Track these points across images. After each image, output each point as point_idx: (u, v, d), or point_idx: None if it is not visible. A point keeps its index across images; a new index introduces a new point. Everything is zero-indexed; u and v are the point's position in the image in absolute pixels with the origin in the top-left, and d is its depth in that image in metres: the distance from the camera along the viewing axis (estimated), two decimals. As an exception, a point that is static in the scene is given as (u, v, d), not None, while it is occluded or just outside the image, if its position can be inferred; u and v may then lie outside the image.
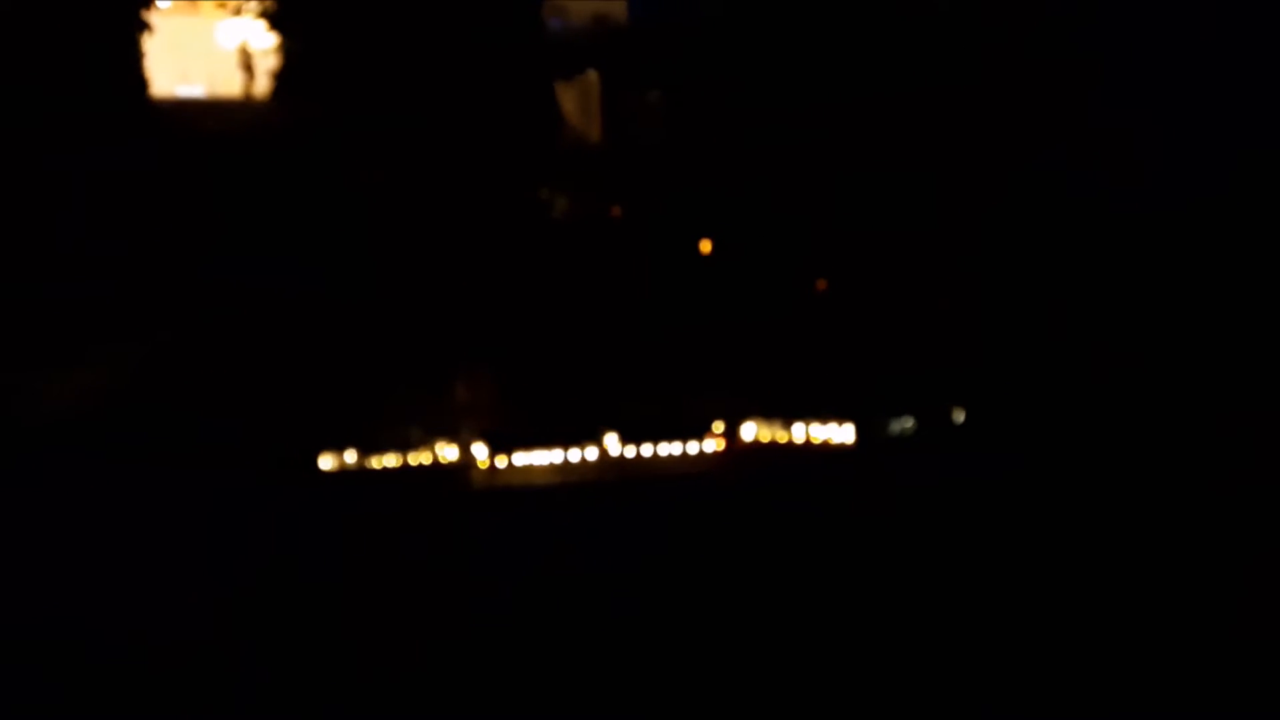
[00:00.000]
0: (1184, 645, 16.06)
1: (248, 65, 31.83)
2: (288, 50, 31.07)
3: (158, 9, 30.80)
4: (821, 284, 31.81)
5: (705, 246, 32.32)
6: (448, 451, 27.04)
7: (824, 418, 29.45)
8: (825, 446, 29.23)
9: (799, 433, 29.44)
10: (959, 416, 29.58)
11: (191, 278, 27.30)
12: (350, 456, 26.56)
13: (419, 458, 26.79)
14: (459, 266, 29.12)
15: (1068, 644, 16.64)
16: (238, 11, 31.53)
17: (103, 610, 17.51)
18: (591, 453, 27.73)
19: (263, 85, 31.60)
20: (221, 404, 25.24)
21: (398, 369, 27.58)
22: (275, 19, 31.19)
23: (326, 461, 26.43)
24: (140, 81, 30.41)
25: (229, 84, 32.27)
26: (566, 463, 27.15)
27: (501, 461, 27.09)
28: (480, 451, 27.20)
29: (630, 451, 28.16)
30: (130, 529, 20.97)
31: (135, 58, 30.32)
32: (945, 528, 21.77)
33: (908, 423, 29.89)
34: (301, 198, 29.39)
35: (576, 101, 33.70)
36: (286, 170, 29.64)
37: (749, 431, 29.32)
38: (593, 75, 34.01)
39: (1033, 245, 30.33)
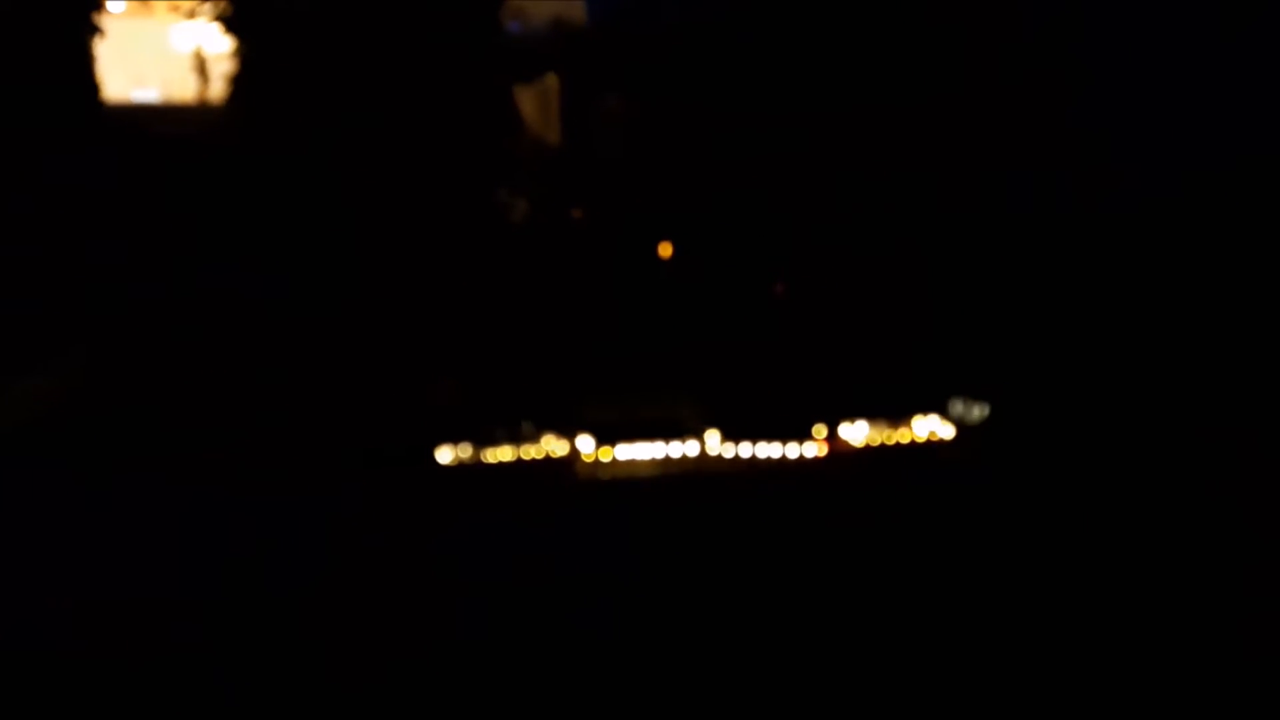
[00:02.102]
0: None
1: (203, 69, 31.50)
2: (243, 54, 30.70)
3: (110, 12, 30.42)
4: (780, 288, 31.91)
5: (666, 250, 32.37)
6: (556, 445, 27.90)
7: (919, 412, 30.17)
8: (928, 443, 29.97)
9: (897, 431, 30.18)
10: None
11: (164, 282, 27.18)
12: (465, 451, 27.50)
13: (529, 451, 27.69)
14: (420, 268, 28.95)
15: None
16: (192, 15, 31.13)
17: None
18: (692, 448, 28.36)
19: (218, 89, 31.26)
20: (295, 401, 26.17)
21: (511, 369, 28.32)
22: (230, 22, 30.80)
23: (444, 455, 27.38)
24: (93, 86, 30.05)
25: (184, 88, 32.05)
26: (668, 458, 27.84)
27: (606, 455, 27.95)
28: (586, 445, 28.01)
29: (728, 450, 28.73)
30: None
31: (87, 62, 29.94)
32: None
33: (982, 409, 30.63)
34: (258, 201, 29.13)
35: (536, 105, 33.60)
36: (243, 173, 29.38)
37: (849, 433, 29.80)
38: (552, 79, 33.93)
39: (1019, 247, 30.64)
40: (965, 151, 31.04)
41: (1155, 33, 30.99)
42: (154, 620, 16.99)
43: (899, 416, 30.44)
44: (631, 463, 27.43)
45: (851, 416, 30.14)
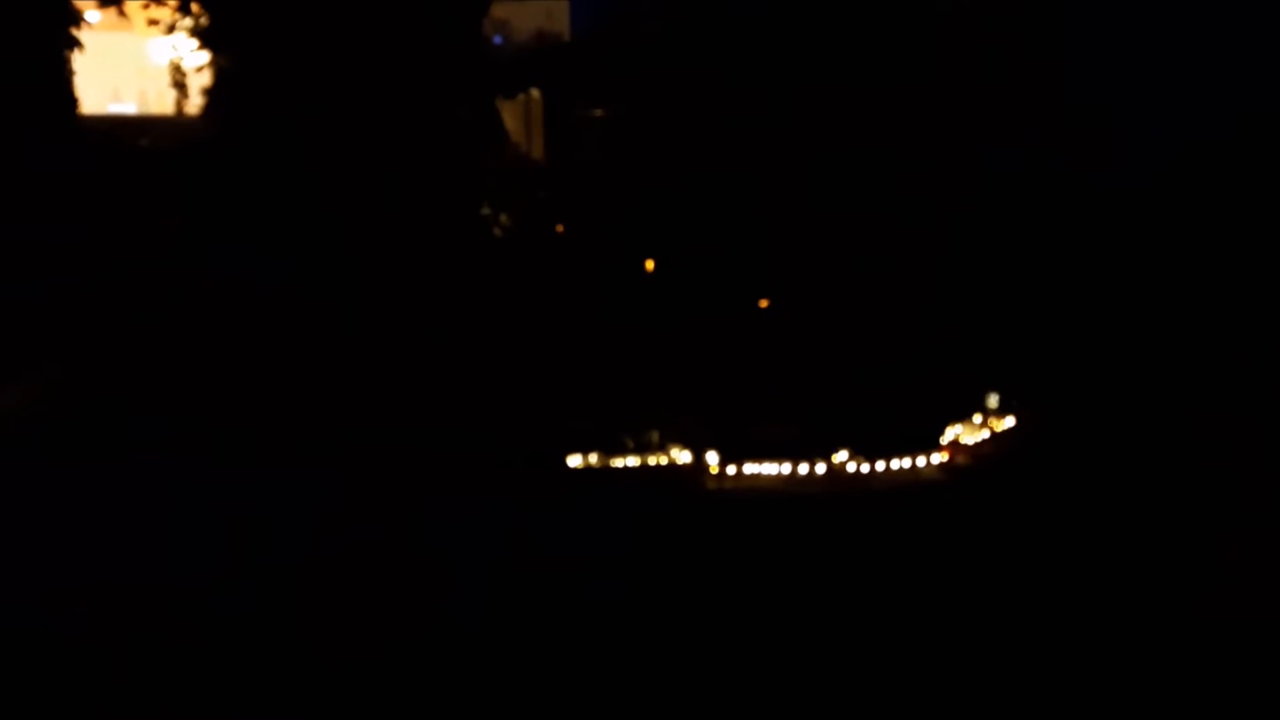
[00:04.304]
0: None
1: (180, 82, 31.16)
2: (220, 67, 30.38)
3: (88, 26, 30.07)
4: (763, 302, 31.67)
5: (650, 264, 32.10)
6: (681, 456, 28.31)
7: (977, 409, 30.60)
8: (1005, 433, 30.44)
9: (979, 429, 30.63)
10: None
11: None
12: (594, 457, 28.15)
13: (655, 459, 28.26)
14: (405, 275, 28.65)
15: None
16: (170, 29, 30.78)
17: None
18: (820, 467, 28.55)
19: (195, 102, 30.93)
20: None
21: (638, 380, 28.85)
22: (208, 36, 30.48)
23: (574, 460, 27.97)
24: (70, 99, 29.71)
25: (161, 101, 31.75)
26: (795, 474, 28.07)
27: (731, 469, 28.21)
28: (712, 458, 28.31)
29: (851, 466, 28.91)
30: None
31: (65, 75, 29.62)
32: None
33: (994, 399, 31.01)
34: (236, 213, 28.80)
35: (519, 117, 33.32)
36: (221, 186, 29.05)
37: (955, 436, 30.17)
38: (536, 91, 33.64)
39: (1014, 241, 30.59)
40: (961, 147, 30.95)
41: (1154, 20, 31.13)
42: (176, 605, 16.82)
43: (969, 416, 30.88)
44: (758, 477, 27.80)
45: (949, 419, 30.56)
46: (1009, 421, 30.58)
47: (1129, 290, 30.57)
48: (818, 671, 15.80)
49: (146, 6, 30.70)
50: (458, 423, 26.16)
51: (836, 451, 28.66)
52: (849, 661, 16.11)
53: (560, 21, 34.99)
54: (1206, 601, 17.19)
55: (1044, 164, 31.37)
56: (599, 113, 33.29)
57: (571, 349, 29.00)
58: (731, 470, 27.95)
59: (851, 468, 28.72)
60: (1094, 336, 30.20)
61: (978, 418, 30.44)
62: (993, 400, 30.56)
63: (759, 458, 28.10)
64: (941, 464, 29.36)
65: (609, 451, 28.15)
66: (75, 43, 29.82)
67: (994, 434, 30.35)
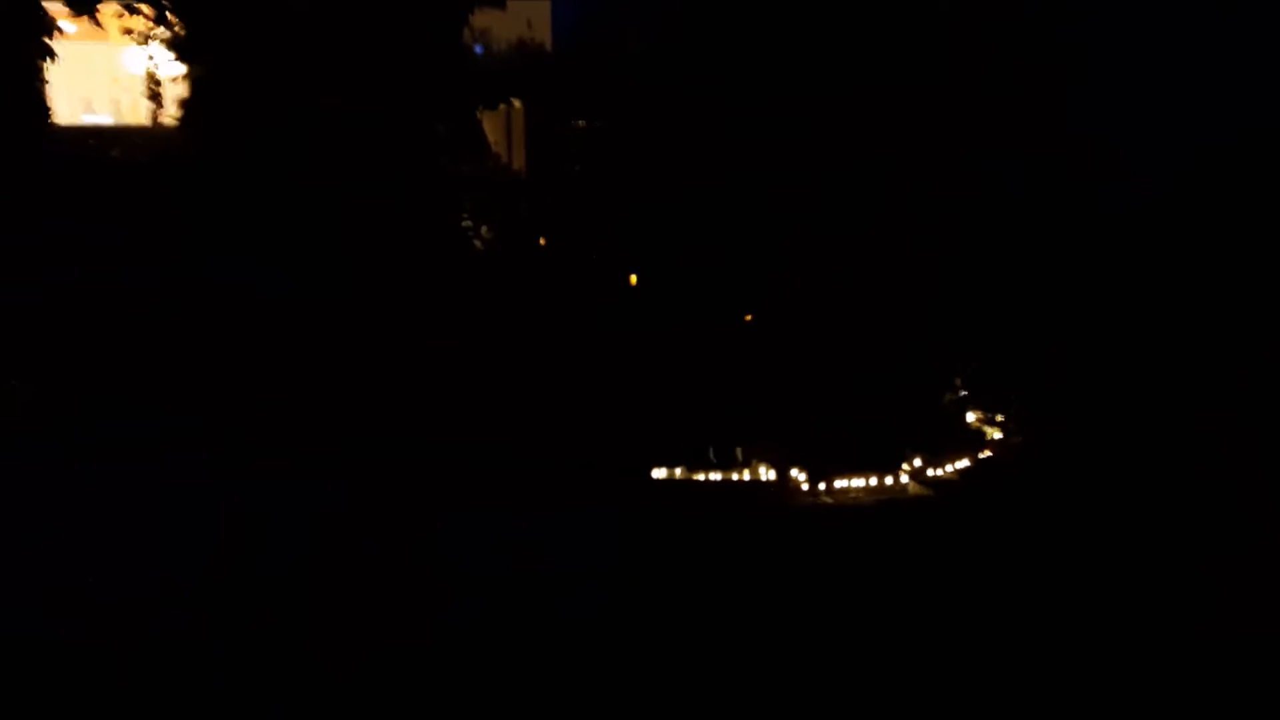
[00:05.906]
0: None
1: (155, 93, 30.79)
2: (196, 78, 30.03)
3: (62, 35, 29.68)
4: (748, 317, 31.39)
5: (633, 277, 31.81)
6: (767, 472, 28.06)
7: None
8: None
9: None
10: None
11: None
12: (679, 470, 27.92)
13: (739, 474, 28.04)
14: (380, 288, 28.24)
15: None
16: (146, 39, 30.40)
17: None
18: (902, 478, 28.23)
19: (170, 113, 30.57)
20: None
21: (724, 396, 28.42)
22: (183, 47, 30.13)
23: (659, 472, 27.83)
24: (43, 109, 29.31)
25: (136, 111, 31.42)
26: (881, 484, 27.69)
27: (820, 484, 27.81)
28: (798, 475, 28.07)
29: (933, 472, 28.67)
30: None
31: (38, 85, 29.23)
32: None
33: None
34: (211, 226, 28.37)
35: (501, 129, 33.03)
36: (197, 198, 28.64)
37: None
38: (517, 103, 33.38)
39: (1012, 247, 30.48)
40: (958, 156, 30.72)
41: (1156, 24, 31.08)
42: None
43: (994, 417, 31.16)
44: (846, 490, 27.54)
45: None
46: (1014, 424, 30.60)
47: (1130, 297, 30.47)
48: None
49: (121, 16, 30.26)
50: (485, 433, 25.86)
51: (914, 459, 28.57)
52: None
53: (541, 31, 34.74)
54: (1206, 613, 17.01)
55: (1046, 174, 31.19)
56: (582, 124, 33.03)
57: (629, 361, 28.86)
58: (822, 486, 27.63)
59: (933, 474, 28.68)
60: (1094, 344, 30.10)
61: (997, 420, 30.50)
62: (997, 404, 30.60)
63: (846, 472, 27.91)
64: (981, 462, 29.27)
65: (692, 467, 27.91)
66: (49, 52, 29.39)
67: (1006, 436, 30.32)
